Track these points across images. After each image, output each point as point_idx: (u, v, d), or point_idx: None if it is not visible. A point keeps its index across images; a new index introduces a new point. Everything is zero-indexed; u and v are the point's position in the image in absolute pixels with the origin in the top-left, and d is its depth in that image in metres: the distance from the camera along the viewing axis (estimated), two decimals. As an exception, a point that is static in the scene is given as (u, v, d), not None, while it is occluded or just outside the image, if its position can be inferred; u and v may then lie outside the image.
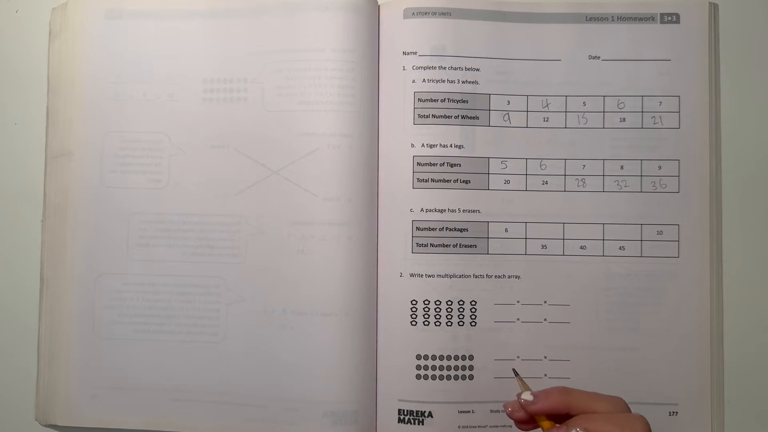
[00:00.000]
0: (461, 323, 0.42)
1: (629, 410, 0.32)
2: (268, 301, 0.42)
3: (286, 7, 0.43)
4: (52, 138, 0.44)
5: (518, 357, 0.42)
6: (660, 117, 0.43)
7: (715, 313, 0.42)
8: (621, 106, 0.43)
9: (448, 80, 0.43)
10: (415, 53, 0.43)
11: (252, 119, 0.43)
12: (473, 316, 0.42)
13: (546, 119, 0.43)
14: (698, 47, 0.43)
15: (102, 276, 0.43)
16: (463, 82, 0.43)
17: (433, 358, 0.42)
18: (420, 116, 0.42)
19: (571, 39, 0.43)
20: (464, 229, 0.42)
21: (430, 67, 0.43)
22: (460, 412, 0.42)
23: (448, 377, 0.42)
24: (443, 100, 0.43)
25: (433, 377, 0.42)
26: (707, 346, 0.42)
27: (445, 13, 0.43)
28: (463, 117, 0.43)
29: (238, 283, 0.42)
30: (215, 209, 0.43)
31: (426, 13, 0.43)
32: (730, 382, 0.42)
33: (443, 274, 0.42)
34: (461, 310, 0.42)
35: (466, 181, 0.42)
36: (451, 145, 0.42)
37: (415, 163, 0.42)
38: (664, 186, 0.43)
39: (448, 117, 0.42)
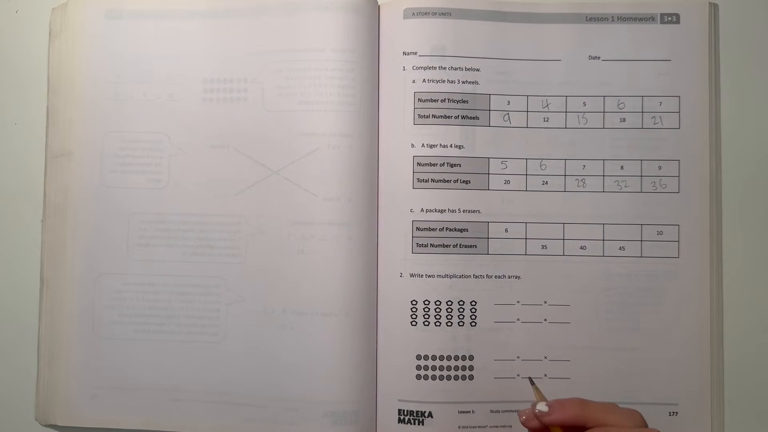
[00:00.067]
0: (461, 323, 0.42)
1: (646, 424, 0.32)
2: (268, 301, 0.42)
3: (286, 7, 0.43)
4: (52, 138, 0.44)
5: (518, 357, 0.42)
6: (660, 117, 0.43)
7: (715, 313, 0.42)
8: (621, 106, 0.43)
9: (448, 80, 0.43)
10: (415, 53, 0.43)
11: (252, 119, 0.43)
12: (473, 317, 0.42)
13: (546, 119, 0.43)
14: (698, 47, 0.43)
15: (102, 276, 0.43)
16: (463, 83, 0.43)
17: (433, 358, 0.42)
18: (420, 116, 0.42)
19: (571, 39, 0.43)
20: (464, 230, 0.42)
21: (430, 68, 0.43)
22: (460, 412, 0.42)
23: (448, 377, 0.42)
24: (443, 101, 0.42)
25: (433, 377, 0.42)
26: (707, 346, 0.42)
27: (445, 14, 0.43)
28: (463, 117, 0.43)
29: (238, 283, 0.42)
30: (215, 209, 0.43)
31: (426, 14, 0.43)
32: (730, 382, 0.42)
33: (443, 274, 0.42)
34: (461, 310, 0.42)
35: (466, 182, 0.42)
36: (451, 146, 0.42)
37: (415, 163, 0.42)
38: (664, 186, 0.42)
39: (448, 117, 0.42)
